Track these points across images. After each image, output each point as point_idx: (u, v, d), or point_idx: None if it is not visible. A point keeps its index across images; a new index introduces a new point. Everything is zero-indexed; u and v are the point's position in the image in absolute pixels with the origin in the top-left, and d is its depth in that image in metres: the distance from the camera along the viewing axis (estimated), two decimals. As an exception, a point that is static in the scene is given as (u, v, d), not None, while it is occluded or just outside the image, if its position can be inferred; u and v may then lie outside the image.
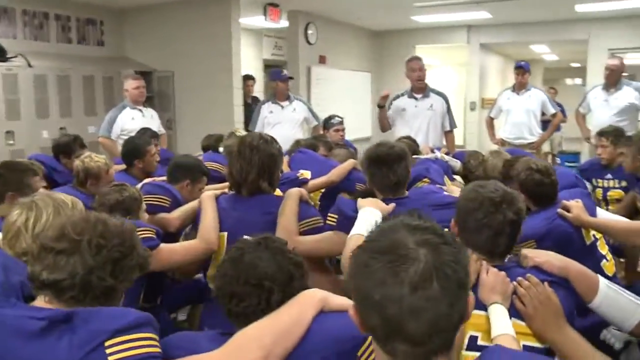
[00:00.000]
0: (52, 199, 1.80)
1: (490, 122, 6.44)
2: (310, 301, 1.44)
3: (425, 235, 0.95)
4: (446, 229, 2.21)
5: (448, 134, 5.37)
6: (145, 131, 4.80)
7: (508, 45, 9.75)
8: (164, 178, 3.31)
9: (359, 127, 9.34)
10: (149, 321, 1.28)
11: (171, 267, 2.53)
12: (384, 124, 5.41)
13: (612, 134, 3.90)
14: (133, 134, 5.21)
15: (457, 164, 4.28)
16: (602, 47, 8.55)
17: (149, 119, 5.50)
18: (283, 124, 5.71)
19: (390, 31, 10.06)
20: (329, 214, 2.39)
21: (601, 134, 3.97)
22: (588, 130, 5.85)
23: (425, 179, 3.55)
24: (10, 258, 1.59)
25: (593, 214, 2.66)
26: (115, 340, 1.20)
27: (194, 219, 2.69)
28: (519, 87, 6.04)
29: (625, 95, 5.49)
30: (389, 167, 2.36)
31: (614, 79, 5.53)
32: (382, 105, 5.33)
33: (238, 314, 1.46)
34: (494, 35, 9.43)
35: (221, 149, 4.32)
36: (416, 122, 5.28)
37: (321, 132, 6.01)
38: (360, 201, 2.28)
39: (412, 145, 4.36)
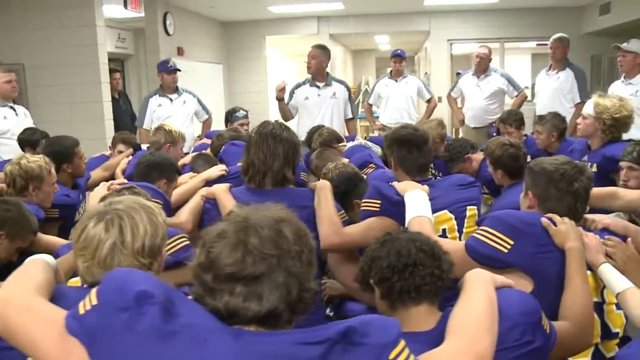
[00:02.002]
0: (137, 204, 1.47)
1: (368, 109, 6.72)
2: (487, 280, 1.44)
3: None
4: (474, 207, 2.34)
5: (350, 122, 5.48)
6: (34, 131, 4.24)
7: (354, 36, 10.21)
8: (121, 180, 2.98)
9: (215, 119, 9.12)
10: None
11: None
12: (287, 114, 5.34)
13: (514, 119, 4.36)
14: (7, 135, 4.62)
15: (378, 149, 4.42)
16: (443, 38, 9.39)
17: (23, 117, 4.86)
18: (174, 118, 5.41)
19: (240, 22, 9.94)
20: (369, 200, 2.30)
21: (504, 121, 4.42)
22: (462, 113, 6.37)
23: (372, 165, 3.65)
24: None
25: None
26: (396, 350, 1.08)
27: (198, 219, 2.47)
28: (397, 74, 6.37)
29: (494, 80, 6.07)
30: (418, 149, 2.39)
31: (483, 66, 6.09)
32: (280, 98, 5.24)
33: (410, 288, 1.46)
34: (342, 26, 9.79)
35: (144, 146, 3.98)
36: (320, 111, 5.30)
37: (212, 125, 5.84)
38: (399, 185, 2.27)
39: (335, 133, 4.41)
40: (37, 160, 2.83)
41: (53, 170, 2.90)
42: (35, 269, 1.36)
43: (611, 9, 7.98)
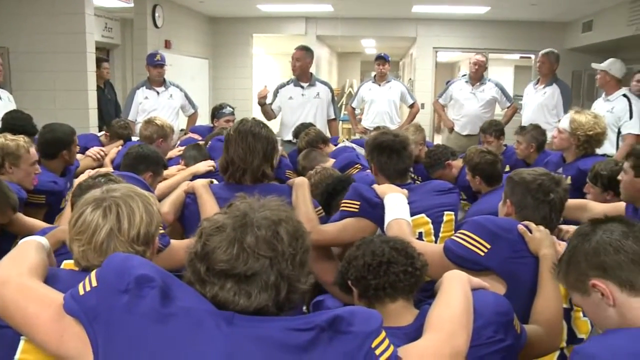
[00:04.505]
0: (133, 192, 1.50)
1: (352, 112, 6.78)
2: (464, 280, 1.52)
3: None
4: (451, 212, 2.41)
5: (332, 122, 5.57)
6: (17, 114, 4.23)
7: (341, 38, 10.30)
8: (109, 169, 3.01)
9: (199, 114, 9.10)
10: None
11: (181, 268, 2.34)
12: (269, 115, 5.42)
13: (494, 129, 4.48)
14: (-9, 119, 4.58)
15: (362, 150, 4.49)
16: (428, 45, 9.52)
17: (7, 101, 4.87)
18: (159, 111, 5.44)
19: (229, 18, 9.97)
20: (348, 201, 2.36)
21: (484, 131, 4.53)
22: (450, 120, 6.38)
23: (357, 165, 3.72)
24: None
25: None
26: (378, 340, 1.14)
27: (179, 212, 2.51)
28: (380, 77, 6.41)
29: (489, 89, 6.13)
30: (398, 155, 2.45)
31: (479, 74, 6.13)
32: (262, 104, 5.31)
33: (385, 285, 1.54)
34: (330, 28, 9.86)
35: (135, 138, 4.01)
36: (304, 110, 5.39)
37: (198, 120, 5.87)
38: (379, 187, 2.34)
39: (322, 134, 4.47)
40: (15, 139, 2.86)
41: (33, 150, 2.91)
42: (30, 250, 1.41)
43: (593, 26, 8.18)
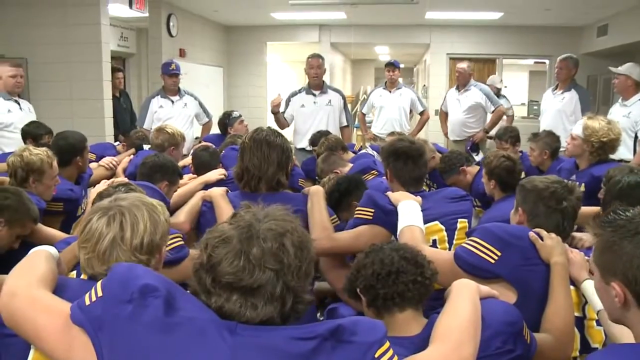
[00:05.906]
0: (140, 201, 1.52)
1: (362, 118, 6.81)
2: (473, 289, 1.51)
3: None
4: (465, 219, 2.41)
5: (345, 130, 5.58)
6: (39, 125, 4.32)
7: (354, 45, 10.33)
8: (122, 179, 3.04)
9: (214, 123, 9.19)
10: None
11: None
12: (282, 124, 5.47)
13: (509, 135, 4.46)
14: (10, 128, 4.67)
15: (379, 158, 4.49)
16: (442, 51, 9.51)
17: (27, 112, 4.91)
18: (174, 120, 5.49)
19: (243, 27, 10.04)
20: (362, 208, 2.37)
21: (500, 137, 4.52)
22: (447, 127, 6.46)
23: (374, 171, 3.73)
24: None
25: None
26: (381, 350, 1.14)
27: (196, 221, 2.53)
28: (391, 84, 6.43)
29: (473, 95, 6.18)
30: (414, 162, 2.46)
31: (463, 80, 6.21)
32: (276, 112, 5.34)
33: (394, 295, 1.53)
34: (344, 35, 9.89)
35: (147, 146, 4.05)
36: (316, 118, 5.42)
37: (212, 129, 5.92)
38: (393, 195, 2.35)
39: (341, 142, 4.49)
40: (39, 153, 2.86)
41: (55, 164, 2.94)
42: (39, 261, 1.42)
43: (608, 31, 8.11)
